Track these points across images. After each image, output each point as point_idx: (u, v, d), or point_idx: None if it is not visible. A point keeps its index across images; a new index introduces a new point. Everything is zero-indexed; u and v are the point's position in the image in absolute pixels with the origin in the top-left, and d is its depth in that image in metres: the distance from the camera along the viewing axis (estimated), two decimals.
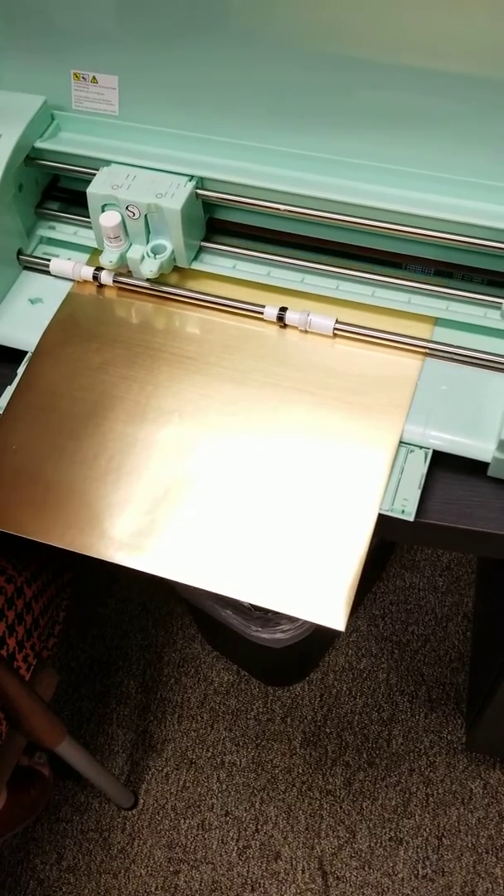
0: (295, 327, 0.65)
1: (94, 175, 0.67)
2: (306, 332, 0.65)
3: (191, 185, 0.64)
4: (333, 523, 0.58)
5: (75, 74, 0.69)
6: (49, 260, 0.70)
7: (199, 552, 0.58)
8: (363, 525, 0.57)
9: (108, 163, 0.67)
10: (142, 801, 1.18)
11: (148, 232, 0.66)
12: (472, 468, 0.60)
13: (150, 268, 0.66)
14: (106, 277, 0.69)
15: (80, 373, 0.66)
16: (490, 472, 0.59)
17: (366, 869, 1.11)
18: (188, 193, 0.64)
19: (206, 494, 0.60)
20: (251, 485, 0.60)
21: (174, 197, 0.64)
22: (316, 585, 0.56)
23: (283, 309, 0.65)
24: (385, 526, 0.58)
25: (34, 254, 0.72)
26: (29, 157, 0.69)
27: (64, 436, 0.64)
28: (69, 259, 0.70)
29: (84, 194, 0.71)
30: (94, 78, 0.68)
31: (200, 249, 0.69)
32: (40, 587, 0.89)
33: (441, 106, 0.61)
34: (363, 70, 0.61)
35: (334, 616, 0.55)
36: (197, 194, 0.65)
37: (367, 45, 0.60)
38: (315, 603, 0.56)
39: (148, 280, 0.67)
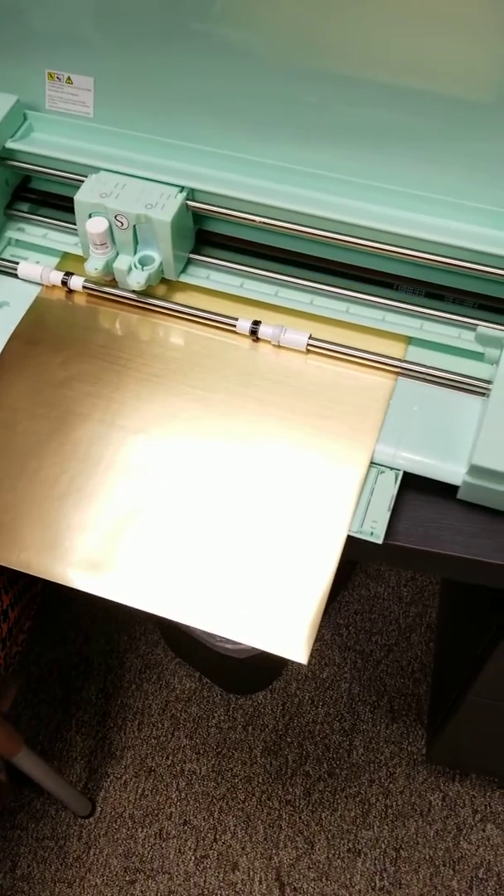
0: (268, 341, 0.64)
1: (70, 178, 0.65)
2: (279, 346, 0.64)
3: (181, 196, 0.63)
4: (300, 548, 0.57)
5: (50, 74, 0.67)
6: (17, 263, 0.68)
7: (160, 578, 0.57)
8: (331, 550, 0.56)
9: (88, 168, 0.65)
10: (99, 808, 1.16)
11: (136, 242, 0.64)
12: (442, 491, 0.59)
13: (137, 280, 0.64)
14: (75, 283, 0.67)
15: (43, 389, 0.64)
16: (460, 496, 0.59)
17: (323, 880, 1.11)
18: (179, 205, 0.62)
19: (169, 518, 0.59)
20: (216, 508, 0.59)
21: (164, 208, 0.62)
22: (279, 615, 0.55)
23: (257, 322, 0.64)
24: (353, 547, 0.57)
25: (2, 256, 0.70)
26: (0, 158, 0.67)
27: (24, 454, 0.62)
28: (38, 263, 0.68)
29: (57, 196, 0.70)
30: (69, 79, 0.67)
31: (189, 262, 0.68)
32: (17, 593, 0.87)
33: (420, 124, 0.60)
34: (348, 85, 0.60)
35: (296, 649, 0.54)
36: (188, 206, 0.64)
37: (349, 62, 0.59)
38: (277, 634, 0.54)
39: (134, 291, 0.66)
